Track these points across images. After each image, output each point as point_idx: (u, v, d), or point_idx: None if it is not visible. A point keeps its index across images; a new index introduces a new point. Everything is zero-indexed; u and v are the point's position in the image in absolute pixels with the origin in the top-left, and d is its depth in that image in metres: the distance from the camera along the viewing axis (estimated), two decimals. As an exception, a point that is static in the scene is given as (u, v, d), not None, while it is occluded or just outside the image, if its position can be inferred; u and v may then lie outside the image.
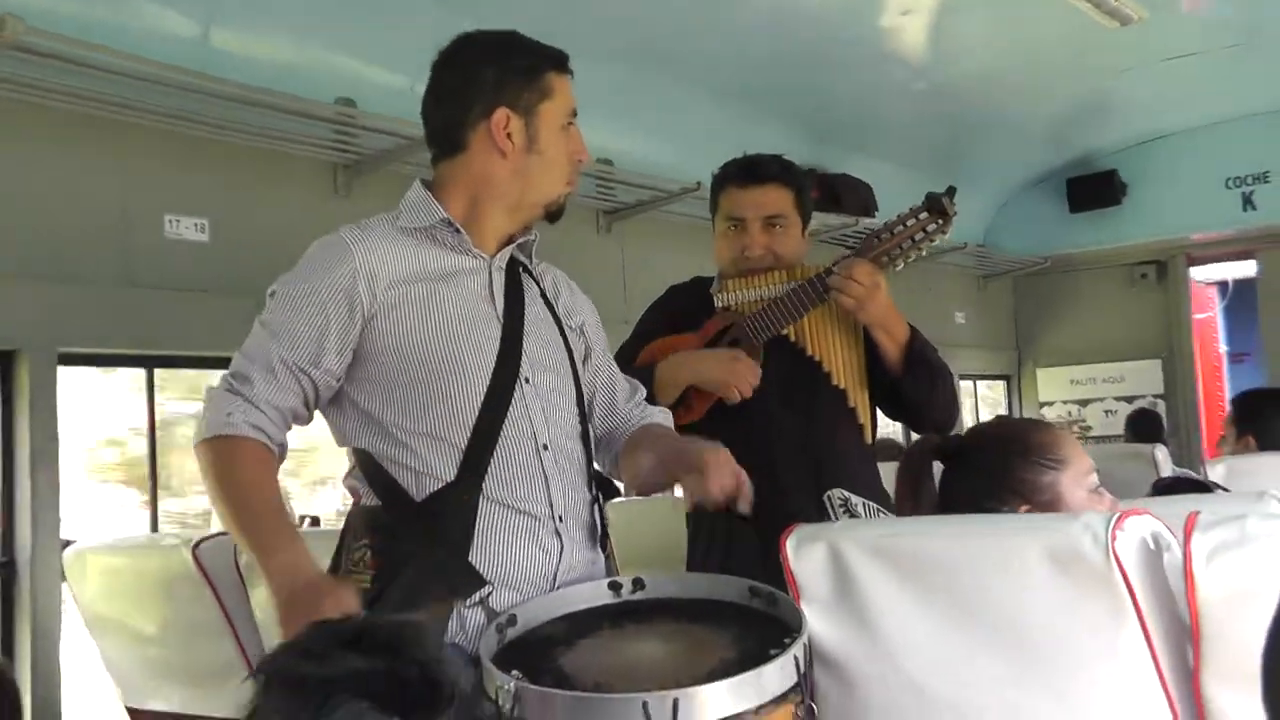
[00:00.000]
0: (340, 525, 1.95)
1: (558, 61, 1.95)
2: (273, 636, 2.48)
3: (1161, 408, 7.24)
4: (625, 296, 4.51)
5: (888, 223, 2.59)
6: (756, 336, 2.59)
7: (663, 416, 2.17)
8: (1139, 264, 7.36)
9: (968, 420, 6.55)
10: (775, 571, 1.75)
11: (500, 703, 1.48)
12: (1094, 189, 6.99)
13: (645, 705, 1.39)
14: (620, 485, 2.13)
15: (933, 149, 6.06)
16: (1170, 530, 1.51)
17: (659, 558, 2.55)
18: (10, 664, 2.95)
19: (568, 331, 2.03)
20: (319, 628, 1.22)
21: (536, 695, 1.47)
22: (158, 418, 3.46)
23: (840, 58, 4.82)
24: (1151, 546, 1.50)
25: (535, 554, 1.83)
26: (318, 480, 4.98)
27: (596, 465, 2.04)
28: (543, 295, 2.03)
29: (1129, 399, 7.43)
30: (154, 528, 3.42)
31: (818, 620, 1.70)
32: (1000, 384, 7.98)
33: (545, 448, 1.88)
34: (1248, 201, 6.69)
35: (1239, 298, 7.76)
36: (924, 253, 2.60)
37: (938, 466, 1.96)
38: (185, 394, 3.76)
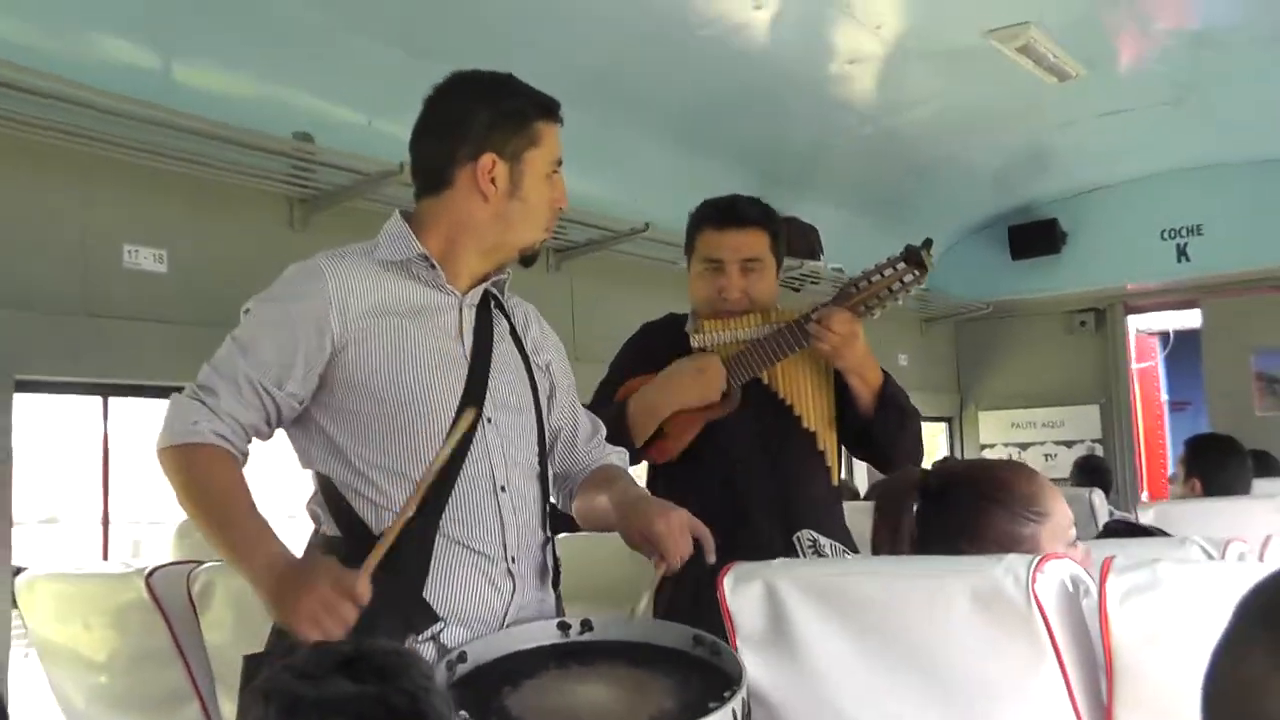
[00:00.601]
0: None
1: (548, 110, 1.98)
2: (223, 665, 2.53)
3: (1099, 453, 7.36)
4: (574, 334, 4.55)
5: (865, 272, 2.61)
6: (734, 379, 2.60)
7: (618, 458, 2.19)
8: (1078, 311, 7.46)
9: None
10: None
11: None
12: (1035, 237, 7.08)
13: None
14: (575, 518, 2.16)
15: (878, 193, 6.14)
16: (1088, 573, 1.60)
17: (610, 593, 2.59)
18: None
19: (534, 370, 2.05)
20: (316, 649, 1.27)
21: None
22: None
23: (789, 102, 4.90)
24: (1070, 589, 1.58)
25: (488, 593, 1.87)
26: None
27: (552, 499, 2.07)
28: (512, 331, 2.05)
29: (1068, 443, 7.54)
30: (105, 556, 3.43)
31: (752, 656, 1.74)
32: (942, 425, 8.06)
33: (503, 489, 1.90)
34: (1182, 253, 6.82)
35: (1180, 347, 7.92)
36: (899, 301, 2.63)
37: None
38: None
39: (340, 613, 1.63)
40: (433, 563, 1.83)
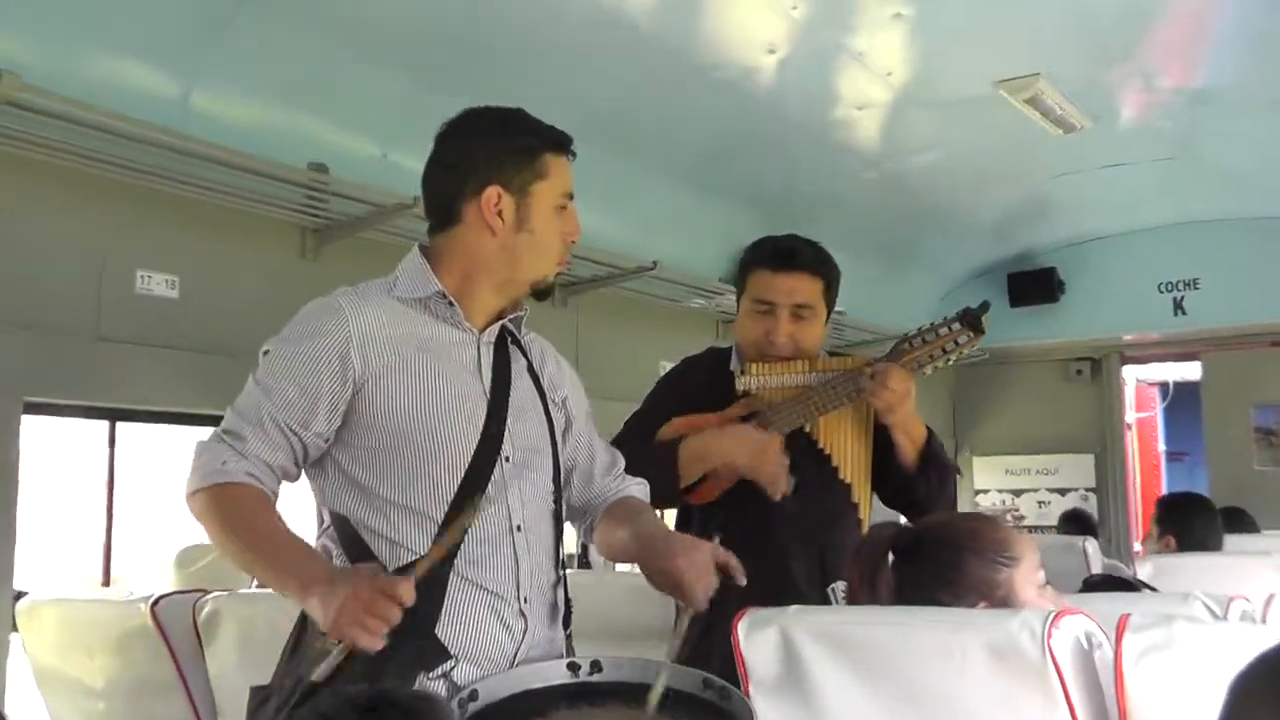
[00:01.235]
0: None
1: (557, 143, 1.97)
2: (225, 697, 2.52)
3: (1093, 501, 7.39)
4: (580, 369, 4.56)
5: (921, 330, 2.57)
6: (780, 426, 2.57)
7: (638, 489, 2.18)
8: (1075, 360, 7.51)
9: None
10: None
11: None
12: (1033, 285, 7.12)
13: None
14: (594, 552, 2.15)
15: (881, 237, 6.18)
16: (1102, 629, 1.61)
17: (622, 632, 2.56)
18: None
19: (551, 407, 2.05)
20: (337, 695, 1.27)
21: None
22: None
23: (797, 145, 4.94)
24: (1085, 645, 1.60)
25: (499, 632, 1.86)
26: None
27: (571, 527, 2.07)
28: (530, 368, 2.04)
29: (1062, 491, 7.57)
30: (106, 581, 3.42)
31: (764, 701, 1.76)
32: (936, 470, 8.06)
33: (519, 529, 1.90)
34: (1178, 306, 6.88)
35: (1180, 399, 7.96)
36: (951, 361, 2.61)
37: None
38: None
39: (383, 612, 1.61)
40: (446, 601, 1.83)
